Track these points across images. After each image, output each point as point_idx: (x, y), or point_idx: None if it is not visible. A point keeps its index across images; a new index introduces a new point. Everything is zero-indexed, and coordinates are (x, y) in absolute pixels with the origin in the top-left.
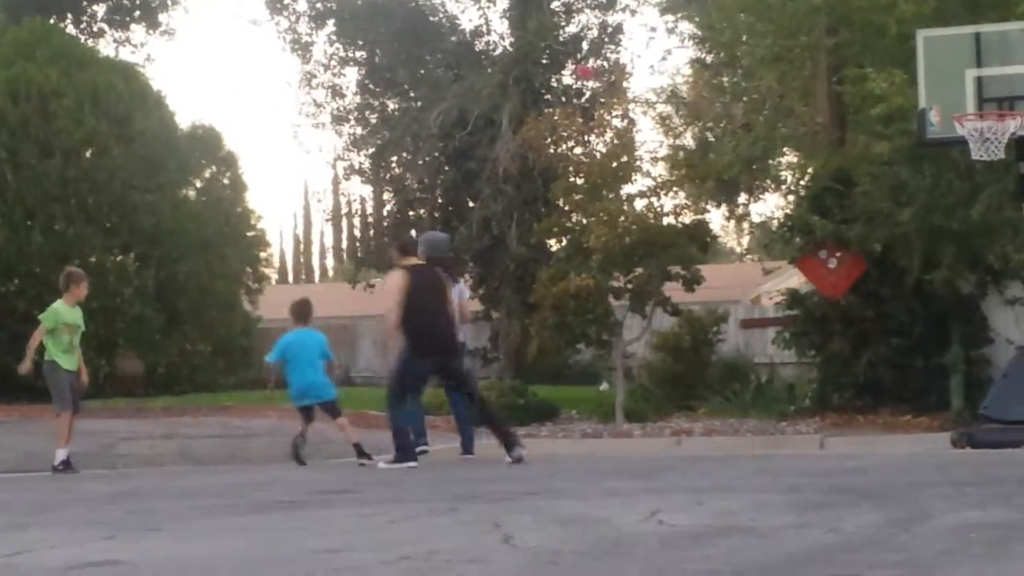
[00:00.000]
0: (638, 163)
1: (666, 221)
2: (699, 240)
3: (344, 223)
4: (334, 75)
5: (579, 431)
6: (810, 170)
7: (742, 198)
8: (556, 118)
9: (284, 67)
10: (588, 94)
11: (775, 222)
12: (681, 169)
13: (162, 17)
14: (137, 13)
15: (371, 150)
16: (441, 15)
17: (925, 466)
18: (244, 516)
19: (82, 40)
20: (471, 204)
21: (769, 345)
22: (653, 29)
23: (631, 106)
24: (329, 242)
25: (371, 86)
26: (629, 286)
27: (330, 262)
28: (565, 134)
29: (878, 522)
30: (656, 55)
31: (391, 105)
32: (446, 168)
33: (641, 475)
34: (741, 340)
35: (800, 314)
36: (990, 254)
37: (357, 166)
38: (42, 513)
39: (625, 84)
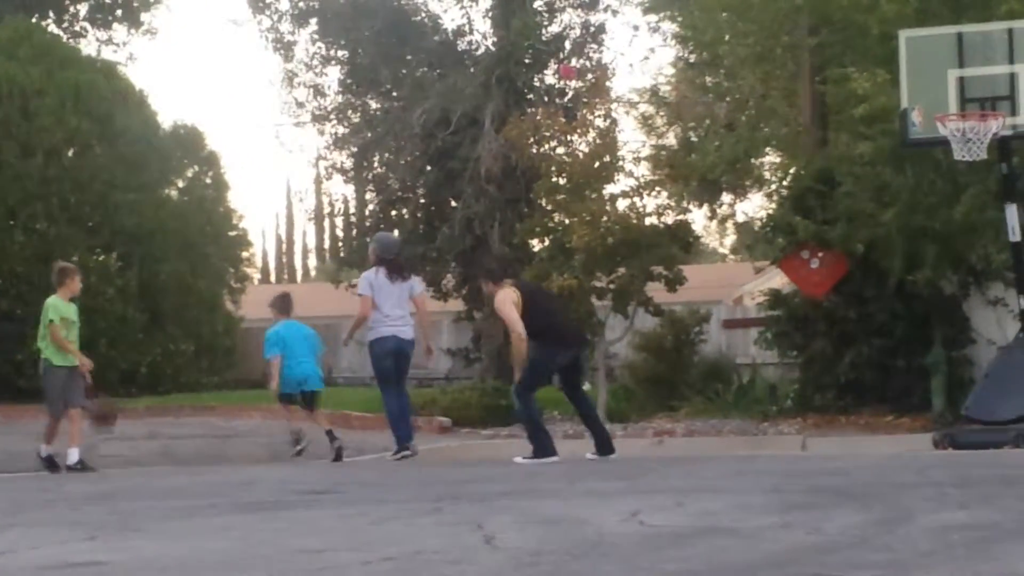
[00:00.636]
0: (621, 163)
1: (649, 221)
2: (681, 240)
3: (326, 223)
4: (316, 74)
5: (561, 432)
6: (792, 170)
7: (725, 198)
8: (539, 118)
9: (266, 66)
10: (571, 94)
11: (758, 222)
12: (664, 169)
13: (144, 16)
14: (119, 12)
15: (353, 149)
16: (423, 14)
17: (907, 467)
18: (226, 516)
19: (64, 39)
20: (454, 204)
21: (751, 345)
22: (636, 28)
23: (614, 106)
24: (311, 242)
25: (353, 85)
26: (611, 286)
27: (312, 262)
28: (548, 134)
29: (860, 523)
30: (639, 54)
31: (373, 104)
32: (428, 168)
33: (623, 476)
34: (723, 340)
35: (782, 314)
36: (972, 255)
37: (339, 165)
38: (23, 513)
39: (608, 84)
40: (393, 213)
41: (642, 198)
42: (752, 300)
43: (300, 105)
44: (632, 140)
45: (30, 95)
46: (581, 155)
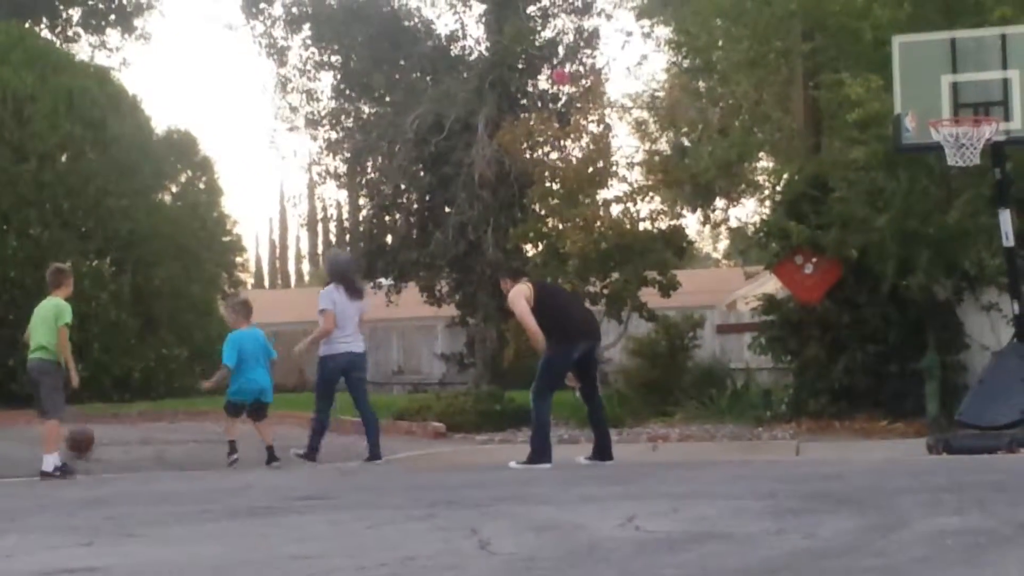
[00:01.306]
0: (614, 168)
1: (642, 226)
2: (675, 245)
3: (320, 228)
4: (309, 79)
5: (556, 437)
6: (786, 175)
7: (718, 203)
8: (532, 123)
9: (260, 71)
10: (564, 99)
11: (751, 227)
12: (657, 174)
13: (137, 21)
14: (112, 17)
15: (347, 155)
16: (417, 20)
17: (901, 472)
18: (220, 522)
19: (57, 44)
20: (447, 209)
21: (745, 350)
22: (629, 34)
23: (607, 111)
24: (305, 247)
25: (347, 90)
26: (605, 291)
27: (306, 267)
28: (541, 139)
29: (855, 528)
30: (632, 59)
31: (367, 109)
32: (422, 173)
33: (617, 481)
34: (717, 345)
35: (776, 319)
36: (966, 260)
37: (333, 171)
38: (18, 519)
39: (601, 89)
40: (386, 218)
41: (635, 203)
42: (746, 305)
43: (293, 110)
44: (625, 145)
45: (23, 100)
46: (574, 160)
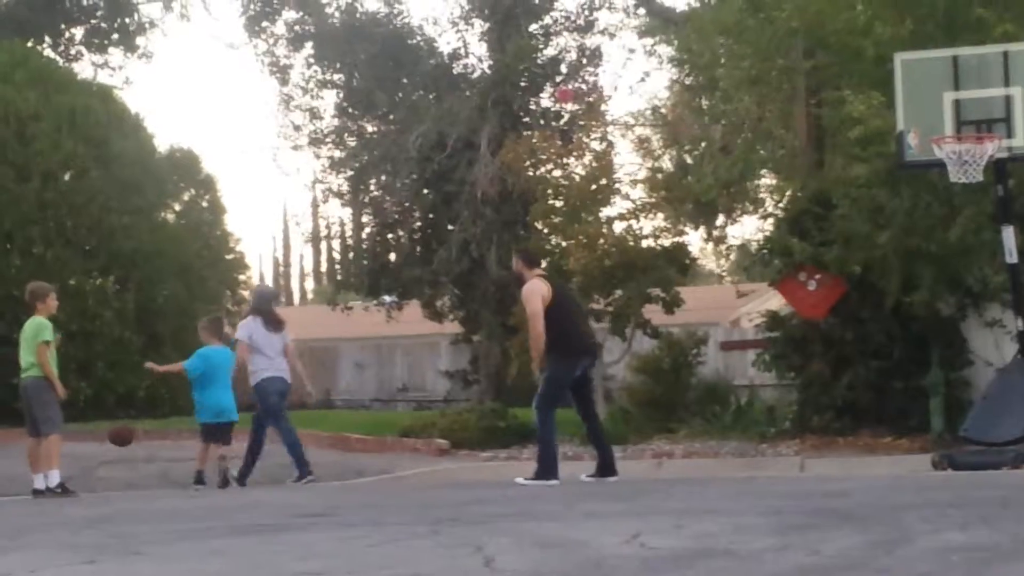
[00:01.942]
0: (617, 186)
1: (645, 244)
2: (678, 262)
3: (323, 246)
4: (312, 98)
5: (560, 454)
6: (788, 192)
7: (721, 220)
8: (535, 141)
9: (262, 90)
10: (567, 117)
11: (754, 244)
12: (660, 191)
13: (140, 40)
14: (115, 36)
15: (350, 173)
16: (419, 38)
17: (906, 488)
18: (224, 539)
19: (60, 63)
20: (450, 227)
21: (749, 367)
22: (632, 51)
23: (610, 128)
24: (308, 265)
25: (349, 109)
26: (609, 309)
27: (309, 284)
28: (544, 157)
29: (859, 544)
30: (634, 77)
31: (369, 128)
32: (425, 191)
33: (622, 498)
34: (721, 362)
35: (780, 336)
36: (969, 276)
37: (336, 189)
38: (23, 537)
39: (604, 107)
40: (390, 236)
41: (638, 220)
42: (749, 322)
43: (296, 128)
44: (628, 163)
45: (26, 119)
46: (577, 178)
